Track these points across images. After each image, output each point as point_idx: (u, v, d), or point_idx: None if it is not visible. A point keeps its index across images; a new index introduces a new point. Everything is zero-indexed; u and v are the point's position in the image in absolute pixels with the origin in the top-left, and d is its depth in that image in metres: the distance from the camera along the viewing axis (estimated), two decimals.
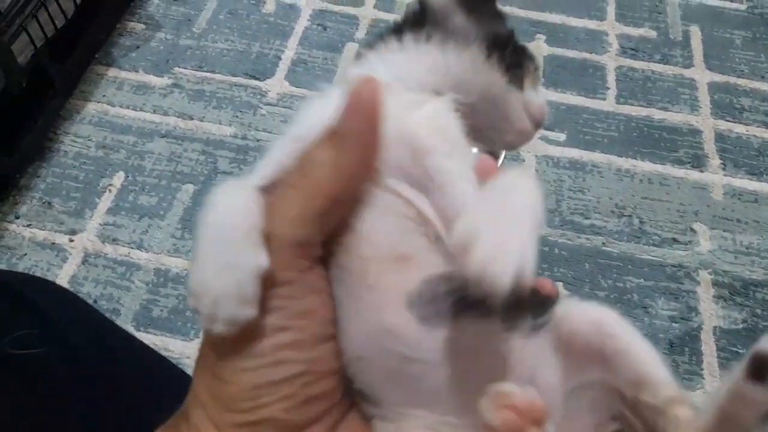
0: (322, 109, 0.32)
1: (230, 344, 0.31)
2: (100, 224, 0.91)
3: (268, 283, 0.29)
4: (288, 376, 0.31)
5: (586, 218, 0.94)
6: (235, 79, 1.08)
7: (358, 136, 0.31)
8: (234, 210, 0.30)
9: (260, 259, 0.29)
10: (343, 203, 0.32)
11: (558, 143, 1.03)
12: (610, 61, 1.14)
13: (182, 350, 0.81)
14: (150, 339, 0.81)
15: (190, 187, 0.95)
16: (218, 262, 0.29)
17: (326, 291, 0.32)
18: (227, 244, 0.29)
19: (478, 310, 0.30)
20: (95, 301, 0.84)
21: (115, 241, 0.90)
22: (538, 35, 1.17)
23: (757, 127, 1.06)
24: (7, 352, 0.55)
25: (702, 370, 0.80)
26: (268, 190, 0.32)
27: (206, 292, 0.28)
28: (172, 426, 0.35)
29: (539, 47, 1.16)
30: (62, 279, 0.86)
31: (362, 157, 0.32)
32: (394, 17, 1.18)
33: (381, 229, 0.32)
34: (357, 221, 0.32)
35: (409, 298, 0.31)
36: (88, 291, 0.85)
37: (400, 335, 0.31)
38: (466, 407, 0.31)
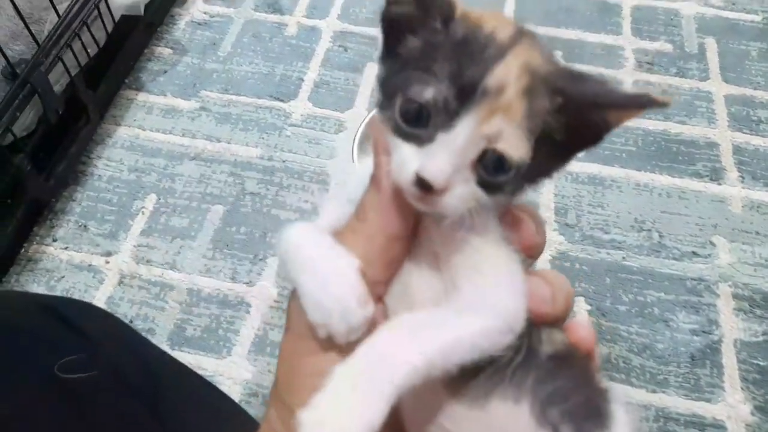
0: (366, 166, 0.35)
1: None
2: (134, 246, 0.95)
3: None
4: None
5: (606, 233, 0.96)
6: (260, 101, 1.11)
7: (383, 175, 0.33)
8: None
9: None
10: (399, 240, 0.34)
11: (577, 159, 1.04)
12: (627, 75, 1.16)
13: (215, 368, 0.84)
14: (184, 357, 0.84)
15: (220, 208, 0.98)
16: (326, 293, 0.32)
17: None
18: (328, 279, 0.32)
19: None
20: (131, 321, 0.87)
21: (148, 262, 0.93)
22: (555, 51, 1.19)
23: None
24: (59, 376, 0.58)
25: (723, 382, 0.82)
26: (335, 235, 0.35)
27: (329, 315, 0.31)
28: None
29: None
30: (99, 300, 0.89)
31: (395, 193, 0.33)
32: None
33: (416, 282, 0.34)
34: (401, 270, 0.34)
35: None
36: (124, 311, 0.88)
37: (437, 407, 0.33)
38: None
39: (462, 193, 0.30)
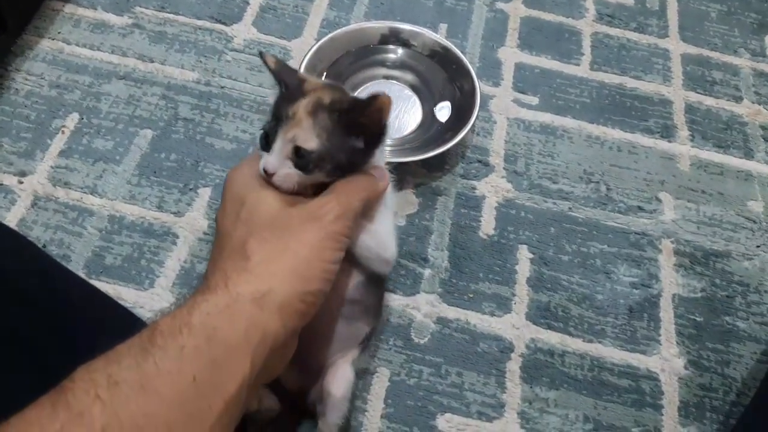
0: None
1: None
2: (51, 167, 0.87)
3: None
4: None
5: (554, 183, 0.93)
6: (199, 23, 1.03)
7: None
8: None
9: None
10: None
11: (530, 107, 1.01)
12: (587, 26, 1.13)
13: (136, 299, 0.78)
14: (102, 287, 0.77)
15: (149, 133, 0.91)
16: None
17: None
18: None
19: None
20: (44, 246, 0.80)
21: (67, 184, 0.85)
22: None
23: (727, 100, 1.06)
24: None
25: (659, 336, 0.81)
26: None
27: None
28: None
29: (516, 8, 1.13)
30: (10, 222, 0.81)
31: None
32: None
33: None
34: None
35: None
36: (37, 235, 0.81)
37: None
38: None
39: (284, 173, 0.53)
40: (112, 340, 0.60)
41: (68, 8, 1.03)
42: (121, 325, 0.66)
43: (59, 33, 1.00)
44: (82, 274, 0.79)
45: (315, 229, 0.51)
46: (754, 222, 0.92)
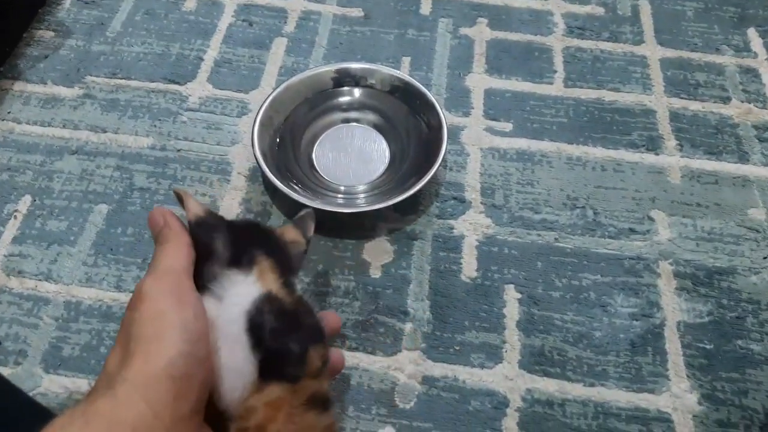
0: None
1: None
2: (4, 256, 0.82)
3: None
4: None
5: (537, 213, 0.87)
6: (152, 85, 0.99)
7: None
8: None
9: None
10: None
11: (504, 134, 0.96)
12: (557, 42, 1.08)
13: None
14: (61, 381, 0.72)
15: (104, 207, 0.86)
16: None
17: None
18: None
19: None
20: (0, 343, 0.75)
21: (20, 273, 0.81)
22: (480, 19, 1.10)
23: (714, 102, 1.00)
24: None
25: (667, 371, 0.74)
26: None
27: None
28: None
29: (481, 31, 1.08)
30: None
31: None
32: (324, 8, 1.11)
33: None
34: None
35: None
36: None
37: None
38: None
39: None
40: None
41: (17, 86, 0.99)
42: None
43: (9, 113, 0.96)
44: (39, 369, 0.73)
45: None
46: (757, 231, 0.86)
